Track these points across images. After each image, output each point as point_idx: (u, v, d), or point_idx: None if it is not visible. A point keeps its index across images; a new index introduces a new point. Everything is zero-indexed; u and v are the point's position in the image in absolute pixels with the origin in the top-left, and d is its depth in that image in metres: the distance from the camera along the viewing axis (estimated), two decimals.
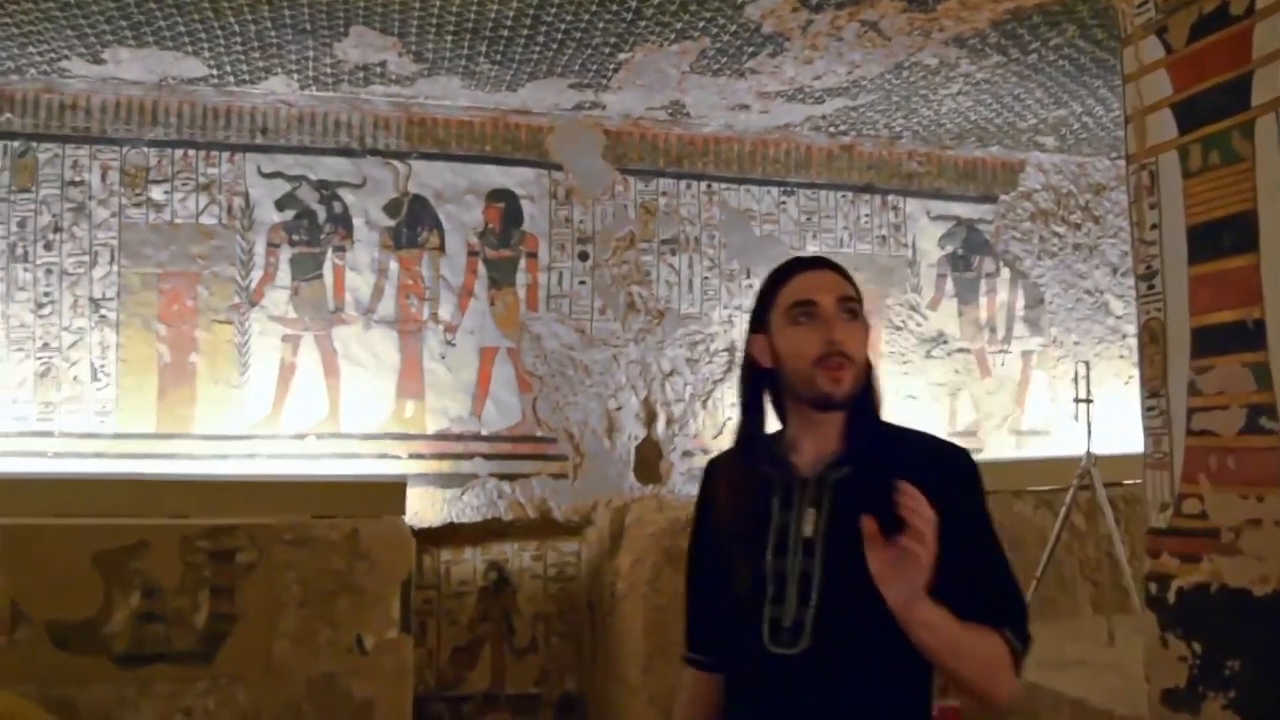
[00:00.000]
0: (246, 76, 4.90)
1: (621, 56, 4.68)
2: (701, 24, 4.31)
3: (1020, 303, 6.28)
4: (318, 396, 5.23)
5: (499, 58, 4.68)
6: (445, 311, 5.41)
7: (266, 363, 5.19)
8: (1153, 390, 3.15)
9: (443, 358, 5.39)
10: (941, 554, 1.62)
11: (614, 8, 4.14)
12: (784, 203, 5.93)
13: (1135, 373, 3.41)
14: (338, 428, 5.24)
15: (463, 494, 5.36)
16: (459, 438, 5.39)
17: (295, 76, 4.91)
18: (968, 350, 6.16)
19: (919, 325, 6.06)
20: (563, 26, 4.32)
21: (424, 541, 5.13)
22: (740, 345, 2.36)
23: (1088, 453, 4.69)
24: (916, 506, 1.57)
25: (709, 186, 5.82)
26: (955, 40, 4.49)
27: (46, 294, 5.01)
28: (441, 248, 5.43)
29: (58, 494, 4.34)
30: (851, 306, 1.83)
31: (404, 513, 4.59)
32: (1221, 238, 2.89)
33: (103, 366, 5.03)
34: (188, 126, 5.15)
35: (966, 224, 6.21)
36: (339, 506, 4.42)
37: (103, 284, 5.06)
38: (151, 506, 4.29)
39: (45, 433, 4.95)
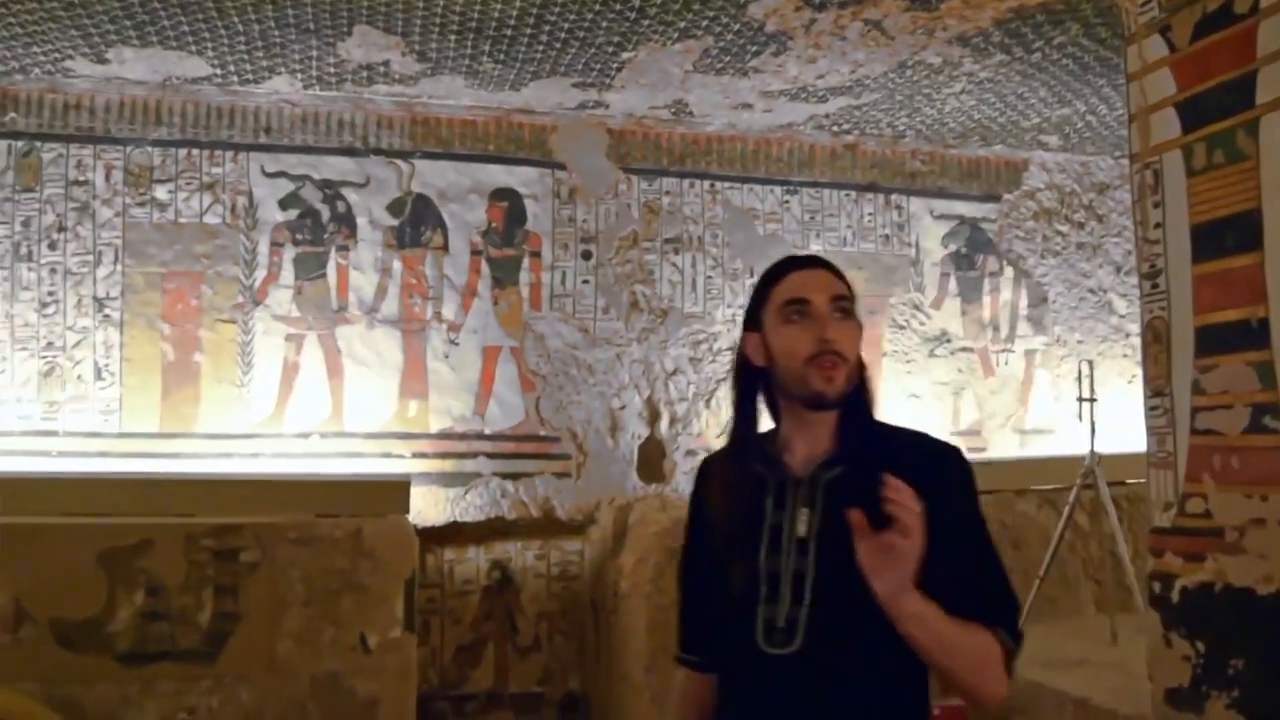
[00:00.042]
0: (250, 76, 4.91)
1: (625, 56, 4.68)
2: (705, 23, 4.31)
3: (1024, 302, 6.27)
4: (321, 396, 5.24)
5: (502, 57, 4.68)
6: (449, 311, 5.41)
7: (270, 362, 5.20)
8: (1156, 389, 3.15)
9: (446, 357, 5.40)
10: (934, 552, 1.62)
11: (617, 7, 4.14)
12: (787, 202, 5.93)
13: (1139, 372, 3.41)
14: (341, 427, 5.25)
15: (466, 493, 5.36)
16: (462, 437, 5.39)
17: (299, 76, 4.91)
18: (971, 349, 6.16)
19: (922, 324, 6.06)
20: (566, 26, 4.32)
21: (427, 540, 5.14)
22: None
23: (1091, 452, 4.69)
24: (901, 499, 1.57)
25: (712, 185, 5.82)
26: (959, 39, 4.49)
27: (51, 293, 5.02)
28: (445, 247, 5.43)
29: (62, 493, 4.35)
30: (845, 305, 1.82)
31: (408, 512, 4.59)
32: (1225, 237, 2.89)
33: (107, 366, 5.04)
34: (191, 126, 5.16)
35: (970, 223, 6.21)
36: (343, 505, 4.42)
37: (107, 283, 5.07)
38: (155, 505, 4.30)
39: (49, 432, 4.96)
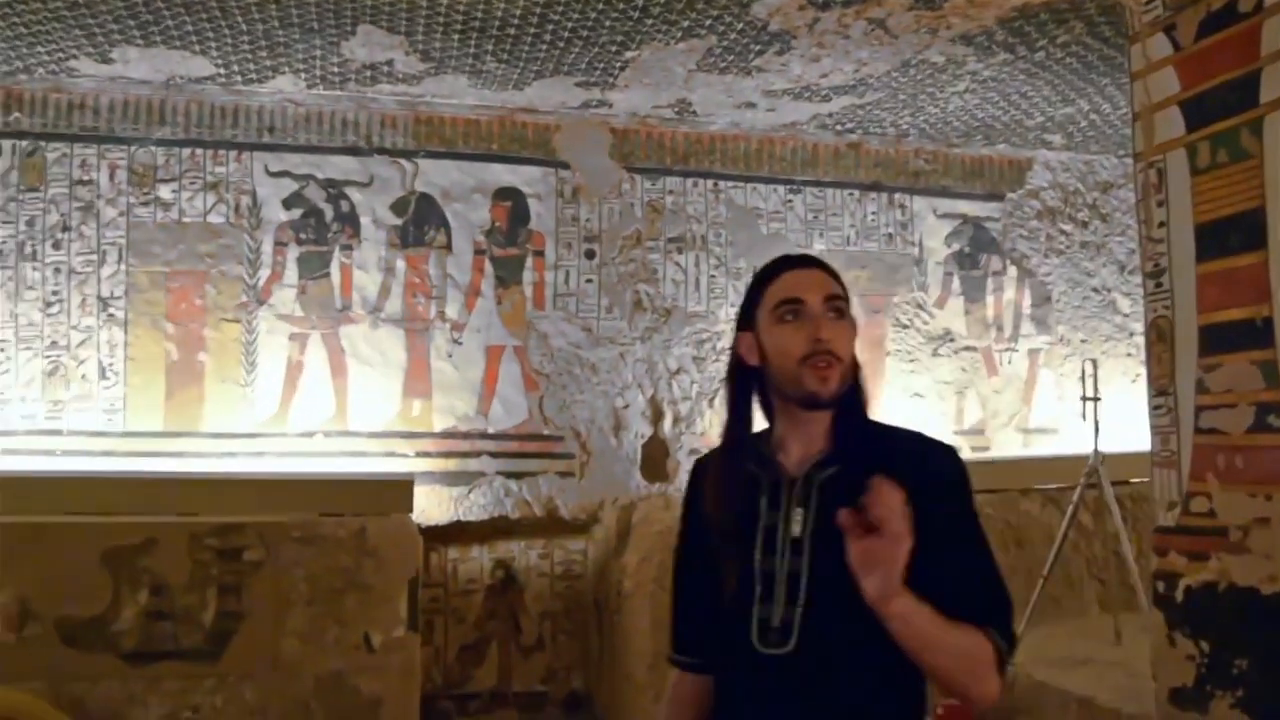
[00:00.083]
0: (254, 75, 4.91)
1: (628, 55, 4.68)
2: (708, 22, 4.31)
3: (1027, 301, 6.27)
4: (325, 395, 5.24)
5: (506, 56, 4.68)
6: (452, 310, 5.42)
7: (274, 361, 5.20)
8: (1160, 388, 3.15)
9: (450, 356, 5.40)
10: (927, 552, 1.61)
11: (620, 6, 4.15)
12: (791, 201, 5.93)
13: (1143, 371, 3.41)
14: (345, 426, 5.25)
15: (470, 492, 5.37)
16: (466, 436, 5.39)
17: (302, 75, 4.92)
18: (975, 348, 6.16)
19: (926, 323, 6.05)
20: (569, 25, 4.32)
21: (431, 540, 5.15)
22: None
23: (1095, 451, 4.69)
24: (885, 499, 1.57)
25: (716, 185, 5.82)
26: (962, 38, 4.48)
27: (55, 293, 5.03)
28: (448, 246, 5.43)
29: (66, 492, 4.35)
30: (839, 305, 1.81)
31: (411, 511, 4.60)
32: (1230, 235, 2.89)
33: (111, 365, 5.04)
34: (195, 126, 5.16)
35: (973, 222, 6.20)
36: (346, 505, 4.43)
37: (111, 283, 5.07)
38: (159, 505, 4.30)
39: (54, 431, 4.97)
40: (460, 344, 5.41)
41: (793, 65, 4.79)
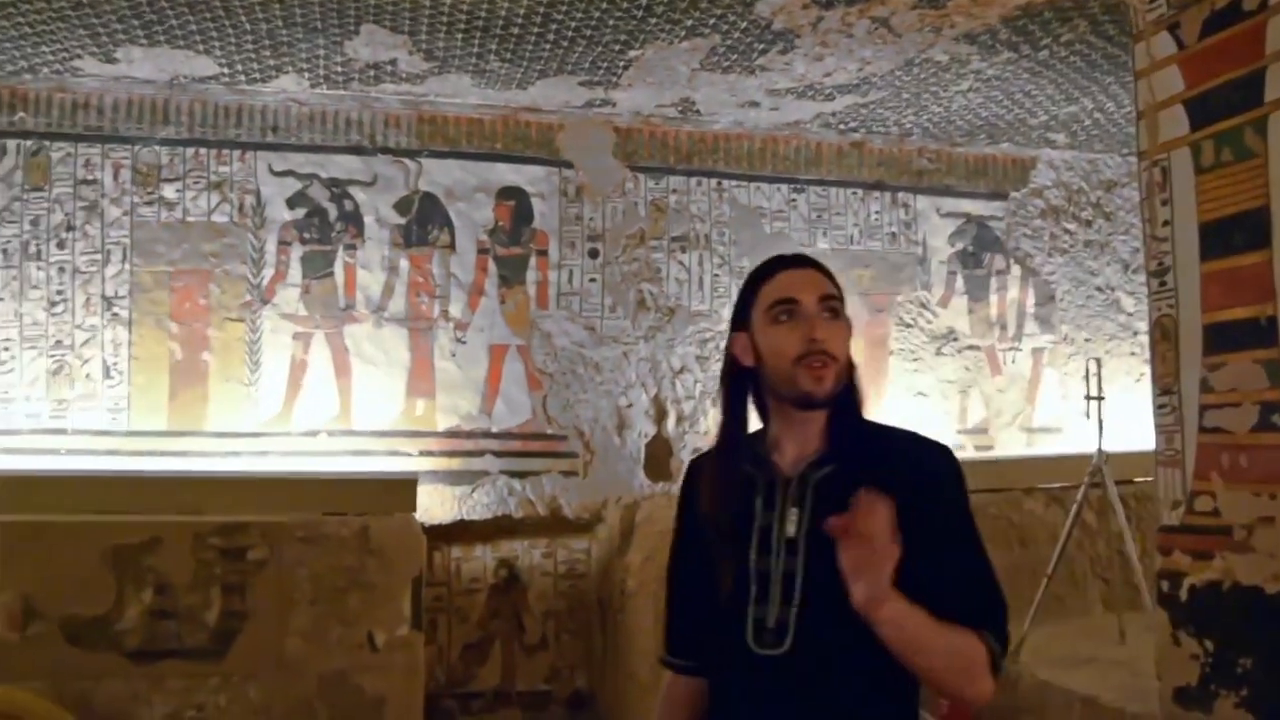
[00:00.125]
0: (257, 75, 4.92)
1: (632, 54, 4.68)
2: (712, 21, 4.31)
3: (1031, 300, 6.26)
4: (329, 394, 5.25)
5: (509, 55, 4.68)
6: (456, 309, 5.42)
7: (278, 360, 5.21)
8: (1164, 387, 3.15)
9: (453, 355, 5.40)
10: (920, 552, 1.62)
11: (624, 5, 4.15)
12: (794, 200, 5.93)
13: (1147, 370, 3.41)
14: (349, 425, 5.26)
15: (473, 491, 5.37)
16: (469, 435, 5.40)
17: (306, 75, 4.92)
18: (978, 347, 6.15)
19: (929, 322, 6.05)
20: (573, 24, 4.32)
21: (435, 539, 5.15)
22: None
23: (1099, 450, 4.68)
24: (872, 513, 1.57)
25: (719, 184, 5.82)
26: (966, 37, 4.48)
27: (59, 292, 5.04)
28: (452, 245, 5.44)
29: (70, 491, 4.36)
30: (833, 305, 1.80)
31: (415, 510, 4.60)
32: (1234, 234, 2.88)
33: (115, 364, 5.05)
34: (199, 125, 5.17)
35: (977, 221, 6.20)
36: (350, 504, 4.43)
37: (115, 282, 5.08)
38: (163, 504, 4.31)
39: (58, 430, 4.98)
40: (464, 343, 5.42)
41: (796, 64, 4.78)
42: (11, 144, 5.01)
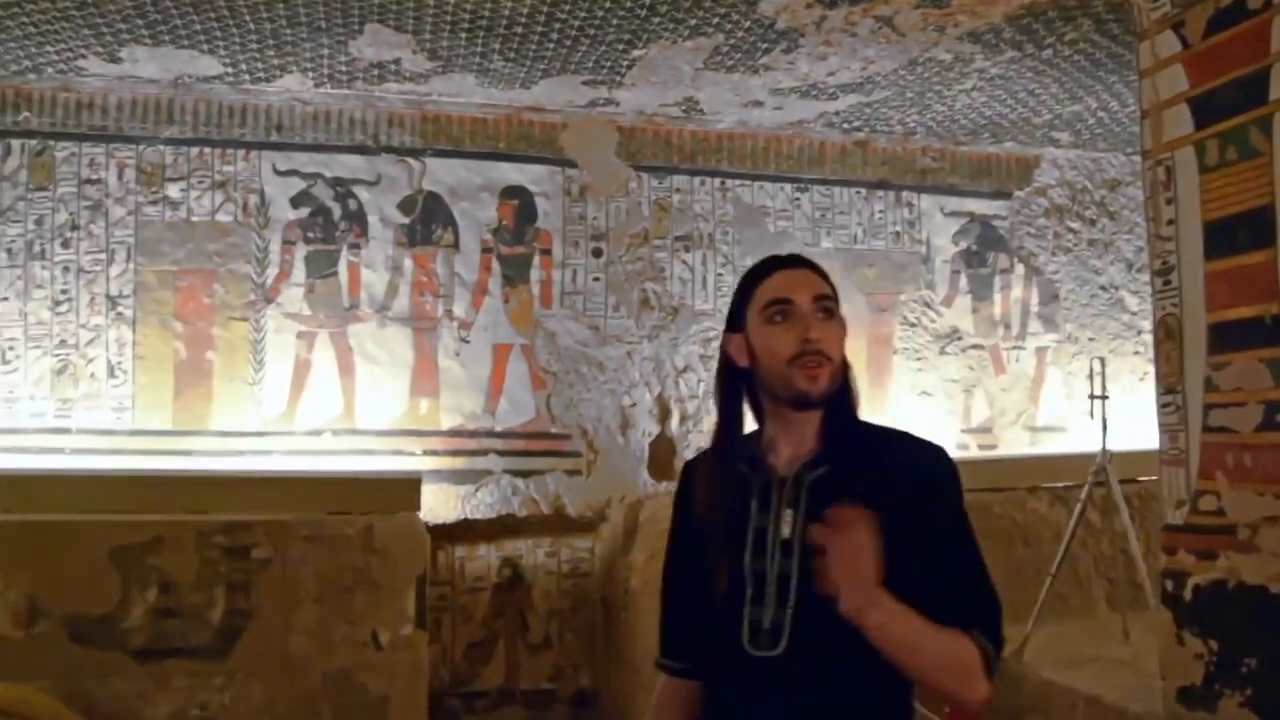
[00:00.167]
0: (262, 74, 4.92)
1: (635, 53, 4.68)
2: (715, 20, 4.31)
3: (1035, 299, 6.26)
4: (333, 393, 5.25)
5: (513, 55, 4.68)
6: (459, 308, 5.42)
7: (282, 360, 5.21)
8: (1169, 386, 3.14)
9: (457, 354, 5.41)
10: (914, 553, 1.63)
11: (628, 4, 4.15)
12: (798, 199, 5.92)
13: (1151, 369, 3.40)
14: (353, 424, 5.26)
15: (477, 490, 5.37)
16: (473, 434, 5.40)
17: (310, 74, 4.93)
18: (982, 346, 6.15)
19: (933, 321, 6.05)
20: (576, 23, 4.33)
21: (439, 538, 5.15)
22: None
23: (1103, 449, 4.67)
24: (846, 522, 1.56)
25: (722, 183, 5.82)
26: (970, 36, 4.48)
27: (64, 291, 5.04)
28: (456, 245, 5.44)
29: (75, 490, 4.37)
30: (828, 305, 1.80)
31: (419, 509, 4.61)
32: (1238, 233, 2.88)
33: (119, 363, 5.06)
34: (203, 124, 5.17)
35: (981, 220, 6.19)
36: (354, 503, 4.43)
37: (119, 281, 5.09)
38: (168, 503, 4.31)
39: (63, 429, 4.99)
40: (468, 342, 5.42)
41: (800, 63, 4.78)
42: (16, 143, 5.02)
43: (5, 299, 4.98)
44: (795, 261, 1.87)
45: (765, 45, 4.58)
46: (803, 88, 5.12)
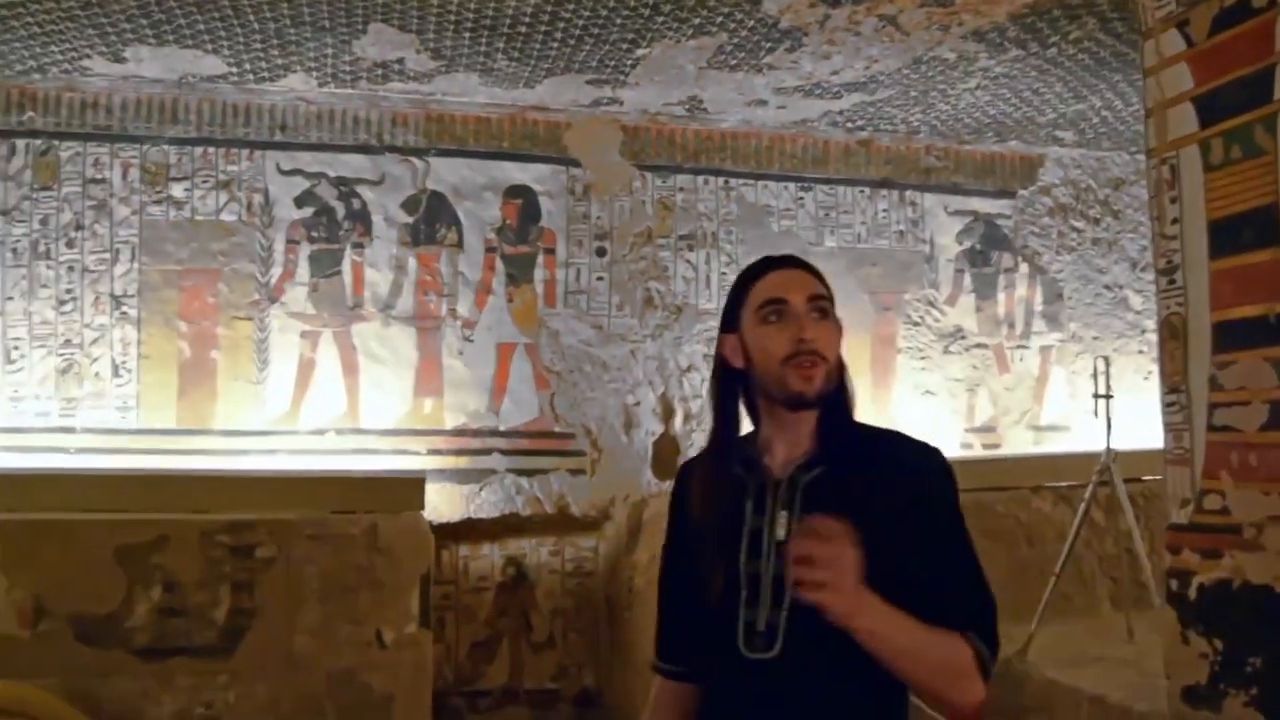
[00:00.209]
0: (266, 74, 4.92)
1: (639, 52, 4.68)
2: (719, 19, 4.31)
3: (1039, 298, 6.25)
4: (337, 392, 5.26)
5: (517, 54, 4.69)
6: (463, 308, 5.43)
7: (286, 359, 5.22)
8: (1173, 386, 3.14)
9: (461, 354, 5.41)
10: (909, 553, 1.63)
11: (631, 3, 4.15)
12: (801, 198, 5.92)
13: (1155, 368, 3.40)
14: (357, 423, 5.27)
15: (481, 489, 5.38)
16: (477, 433, 5.40)
17: (314, 74, 4.93)
18: (986, 346, 6.14)
19: (937, 321, 6.04)
20: (580, 22, 4.33)
21: (442, 537, 5.15)
22: None
23: (1107, 448, 4.67)
24: (819, 534, 1.54)
25: (726, 182, 5.82)
26: (974, 34, 4.47)
27: (68, 291, 5.05)
28: (459, 244, 5.44)
29: (79, 489, 4.38)
30: (822, 305, 1.80)
31: (423, 508, 4.61)
32: (1243, 232, 2.88)
33: (124, 363, 5.07)
34: (207, 124, 5.18)
35: (985, 219, 6.19)
36: (358, 502, 4.44)
37: (124, 281, 5.10)
38: (172, 502, 4.32)
39: (67, 429, 5.00)
40: (471, 341, 5.42)
41: (803, 62, 4.78)
42: (20, 143, 5.03)
43: (10, 298, 4.99)
44: (790, 262, 1.87)
45: (769, 44, 4.58)
46: (806, 87, 5.12)
